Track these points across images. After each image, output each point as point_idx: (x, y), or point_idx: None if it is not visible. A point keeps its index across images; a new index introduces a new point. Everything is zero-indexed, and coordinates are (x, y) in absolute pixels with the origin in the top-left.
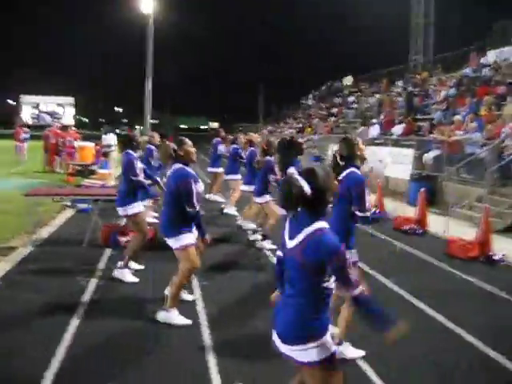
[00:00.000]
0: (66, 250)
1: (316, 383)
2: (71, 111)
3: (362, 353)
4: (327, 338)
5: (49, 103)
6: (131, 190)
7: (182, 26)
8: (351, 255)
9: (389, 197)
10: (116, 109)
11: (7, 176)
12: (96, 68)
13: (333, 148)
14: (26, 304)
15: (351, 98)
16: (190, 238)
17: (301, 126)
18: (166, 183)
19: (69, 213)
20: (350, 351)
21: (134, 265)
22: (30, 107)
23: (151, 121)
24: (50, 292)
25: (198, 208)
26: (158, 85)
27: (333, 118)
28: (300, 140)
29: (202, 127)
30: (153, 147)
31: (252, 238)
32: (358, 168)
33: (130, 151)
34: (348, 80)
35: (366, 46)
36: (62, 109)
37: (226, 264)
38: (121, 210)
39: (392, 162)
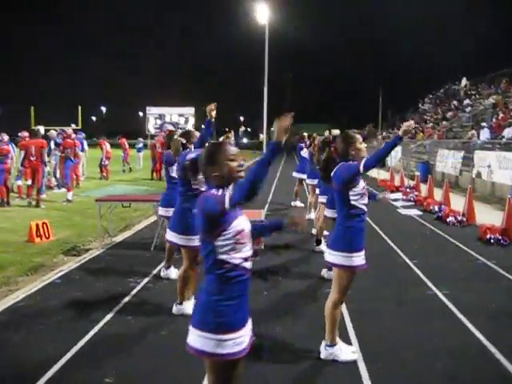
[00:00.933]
0: (132, 253)
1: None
2: (192, 121)
3: (355, 356)
4: None
5: (172, 114)
6: None
7: (300, 34)
8: (356, 259)
9: (495, 204)
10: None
11: (114, 183)
12: (216, 77)
13: (441, 153)
14: (70, 299)
15: (467, 101)
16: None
17: (413, 131)
18: None
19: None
20: (344, 353)
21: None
22: (154, 118)
23: (273, 128)
24: (97, 290)
25: None
26: (278, 92)
27: (444, 122)
28: None
29: (324, 134)
30: None
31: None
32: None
33: None
34: (464, 82)
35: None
36: (183, 119)
37: (284, 267)
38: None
39: (499, 167)
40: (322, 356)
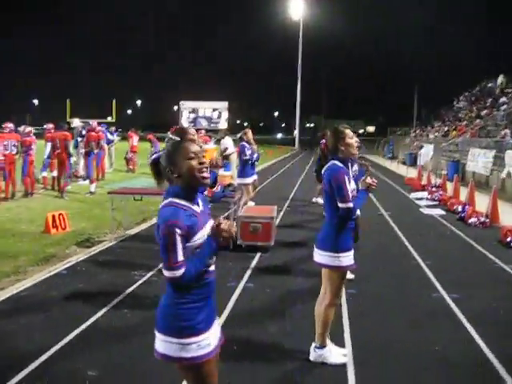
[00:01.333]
0: (142, 246)
1: None
2: (225, 115)
3: (345, 359)
4: None
5: (205, 108)
6: None
7: (334, 29)
8: (344, 259)
9: None
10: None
11: (140, 176)
12: (251, 72)
13: (473, 152)
14: (72, 290)
15: (503, 99)
16: None
17: (446, 128)
18: None
19: None
20: (334, 355)
21: None
22: (187, 112)
23: (308, 124)
24: (101, 282)
25: None
26: (313, 89)
27: (477, 120)
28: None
29: (359, 131)
30: (245, 144)
31: None
32: (344, 161)
33: None
34: (500, 79)
35: None
36: (217, 113)
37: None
38: None
39: None
40: (311, 358)
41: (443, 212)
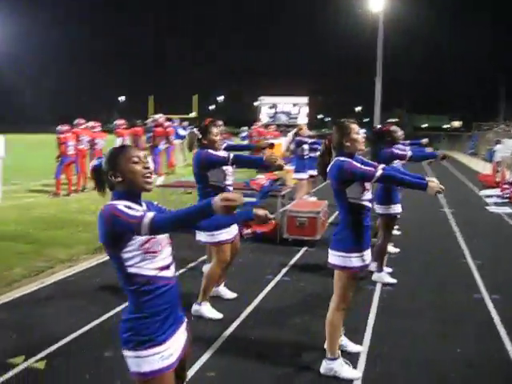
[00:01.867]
0: (188, 240)
1: None
2: (305, 110)
3: (359, 373)
4: None
5: (285, 103)
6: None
7: (415, 22)
8: (354, 260)
9: None
10: (356, 108)
11: None
12: (330, 67)
13: None
14: (113, 278)
15: None
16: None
17: None
18: None
19: None
20: (345, 370)
21: None
22: (267, 107)
23: (391, 119)
24: None
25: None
26: (395, 83)
27: None
28: (393, 128)
29: (443, 126)
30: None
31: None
32: (351, 156)
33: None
34: None
35: None
36: (297, 108)
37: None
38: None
39: None
40: (322, 370)
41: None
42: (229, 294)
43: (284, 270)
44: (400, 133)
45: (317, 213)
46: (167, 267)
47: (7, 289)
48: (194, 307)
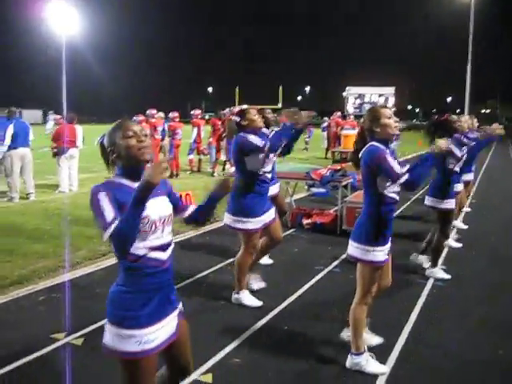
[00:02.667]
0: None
1: None
2: (392, 101)
3: (385, 368)
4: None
5: (371, 94)
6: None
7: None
8: (378, 254)
9: None
10: (447, 99)
11: (288, 160)
12: (418, 58)
13: None
14: None
15: None
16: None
17: None
18: None
19: (300, 196)
20: (371, 364)
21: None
22: (353, 98)
23: (484, 110)
24: (179, 265)
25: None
26: (489, 72)
27: None
28: (452, 117)
29: None
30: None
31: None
32: (386, 143)
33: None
34: None
35: None
36: (383, 99)
37: None
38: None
39: None
40: (347, 365)
41: None
42: (255, 285)
43: (336, 262)
44: (465, 123)
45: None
46: (161, 248)
47: (71, 269)
48: (233, 296)
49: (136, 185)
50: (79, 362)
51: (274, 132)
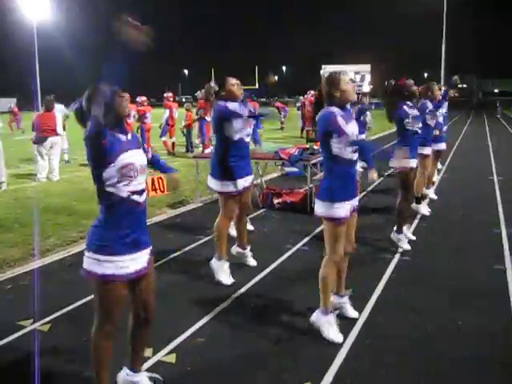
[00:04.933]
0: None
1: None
2: (368, 78)
3: (340, 338)
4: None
5: (348, 72)
6: None
7: None
8: (338, 210)
9: None
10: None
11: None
12: (394, 31)
13: None
14: None
15: None
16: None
17: None
18: None
19: (272, 176)
20: (331, 331)
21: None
22: None
23: (460, 85)
24: (163, 243)
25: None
26: (463, 46)
27: None
28: (409, 81)
29: None
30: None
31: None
32: (343, 107)
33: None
34: None
35: None
36: (359, 76)
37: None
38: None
39: None
40: (312, 318)
41: None
42: (252, 262)
43: (305, 240)
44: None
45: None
46: (138, 193)
47: (40, 257)
48: (212, 262)
49: (119, 135)
50: (45, 347)
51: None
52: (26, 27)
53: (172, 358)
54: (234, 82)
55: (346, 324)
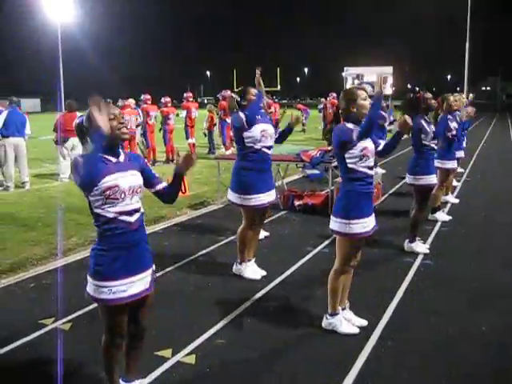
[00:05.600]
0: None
1: None
2: (390, 80)
3: (355, 329)
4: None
5: (370, 73)
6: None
7: None
8: (354, 227)
9: None
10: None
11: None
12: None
13: None
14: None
15: None
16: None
17: None
18: None
19: (293, 178)
20: (344, 325)
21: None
22: (351, 78)
23: (484, 88)
24: (184, 244)
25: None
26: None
27: None
28: (427, 95)
29: None
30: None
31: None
32: (358, 123)
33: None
34: None
35: None
36: (382, 78)
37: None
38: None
39: None
40: (323, 324)
41: None
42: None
43: (326, 243)
44: (454, 102)
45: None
46: (127, 213)
47: (62, 256)
48: (234, 267)
49: (110, 157)
50: (66, 346)
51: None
52: (51, 28)
53: (191, 359)
54: (254, 93)
55: (367, 327)
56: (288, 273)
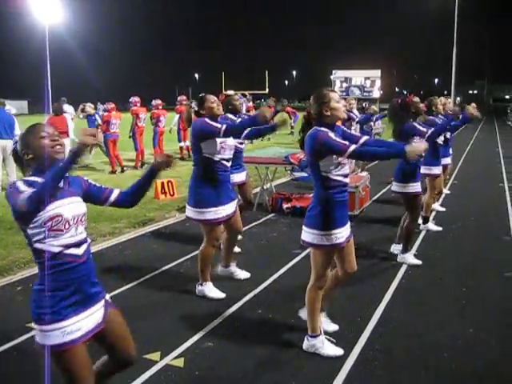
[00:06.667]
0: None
1: None
2: (378, 83)
3: (340, 351)
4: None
5: (358, 77)
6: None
7: None
8: (330, 238)
9: None
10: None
11: (274, 145)
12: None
13: None
14: (143, 250)
15: None
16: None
17: None
18: None
19: (281, 181)
20: (326, 347)
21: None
22: (339, 81)
23: (471, 91)
24: (169, 248)
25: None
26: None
27: None
28: (416, 99)
29: None
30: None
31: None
32: (332, 127)
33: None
34: None
35: None
36: (369, 82)
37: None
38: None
39: None
40: (304, 346)
41: None
42: (242, 274)
43: None
44: (440, 105)
45: (355, 187)
46: (75, 245)
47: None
48: (197, 288)
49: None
50: None
51: (240, 119)
52: (38, 30)
53: (180, 362)
54: (213, 100)
55: (350, 336)
56: (276, 276)
